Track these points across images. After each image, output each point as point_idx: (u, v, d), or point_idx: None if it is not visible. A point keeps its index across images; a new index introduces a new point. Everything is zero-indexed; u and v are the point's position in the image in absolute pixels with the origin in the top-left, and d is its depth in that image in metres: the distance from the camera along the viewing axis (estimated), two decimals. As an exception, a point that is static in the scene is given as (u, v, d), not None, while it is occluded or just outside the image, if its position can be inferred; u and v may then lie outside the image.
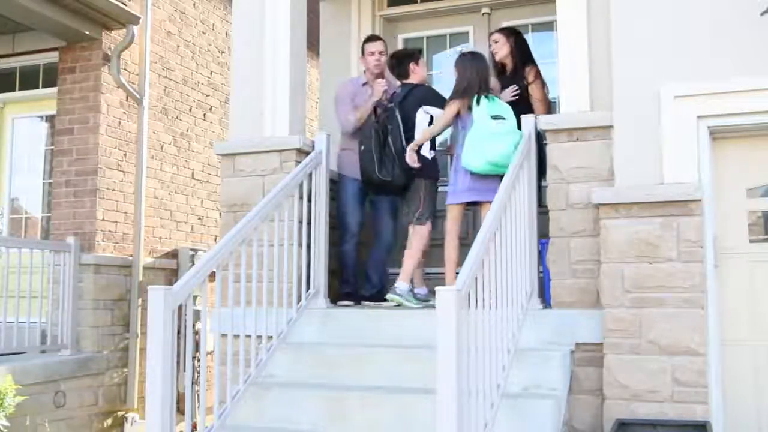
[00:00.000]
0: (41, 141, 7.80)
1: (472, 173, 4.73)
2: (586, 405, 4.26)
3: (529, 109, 5.06)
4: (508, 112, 4.77)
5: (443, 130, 5.23)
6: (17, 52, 7.62)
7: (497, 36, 5.39)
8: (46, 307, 6.64)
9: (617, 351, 4.15)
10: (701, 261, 4.09)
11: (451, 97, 4.91)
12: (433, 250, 5.40)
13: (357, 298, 5.36)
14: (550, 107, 5.30)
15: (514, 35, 5.39)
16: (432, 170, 5.19)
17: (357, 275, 5.46)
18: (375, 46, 5.60)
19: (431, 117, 5.12)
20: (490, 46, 5.44)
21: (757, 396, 4.15)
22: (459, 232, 4.96)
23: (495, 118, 4.68)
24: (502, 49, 5.34)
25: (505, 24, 6.26)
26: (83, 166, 7.07)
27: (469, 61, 4.91)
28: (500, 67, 5.41)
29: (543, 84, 5.29)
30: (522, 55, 5.34)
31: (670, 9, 4.29)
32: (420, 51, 5.72)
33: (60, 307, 6.61)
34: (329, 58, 6.68)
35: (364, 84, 5.63)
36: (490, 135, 4.62)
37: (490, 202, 4.70)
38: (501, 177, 4.68)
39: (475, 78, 4.81)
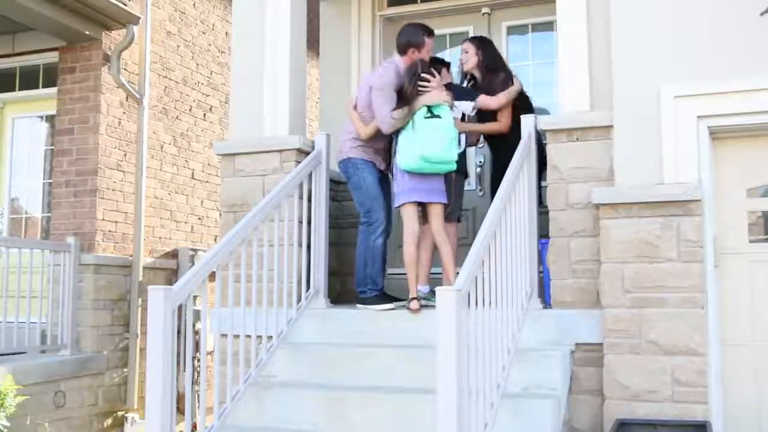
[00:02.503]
0: (41, 141, 7.80)
1: (410, 174, 4.70)
2: (586, 405, 4.27)
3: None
4: (444, 110, 4.73)
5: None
6: (17, 52, 7.62)
7: (467, 46, 5.35)
8: (46, 307, 6.64)
9: (617, 351, 4.15)
10: (701, 261, 4.09)
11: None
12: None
13: (385, 298, 4.92)
14: (510, 116, 5.09)
15: (484, 45, 5.37)
16: (463, 165, 5.10)
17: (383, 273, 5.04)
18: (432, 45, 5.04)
19: (462, 113, 5.08)
20: (461, 54, 5.41)
21: (757, 396, 4.15)
22: (418, 232, 4.78)
23: (429, 117, 4.67)
24: (470, 60, 5.32)
25: (504, 24, 6.27)
26: (83, 166, 7.08)
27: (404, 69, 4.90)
28: (469, 77, 5.39)
29: (518, 92, 5.20)
30: (493, 64, 5.31)
31: (670, 9, 4.29)
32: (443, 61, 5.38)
33: (60, 307, 6.61)
34: (329, 58, 6.68)
35: None
36: (421, 132, 4.63)
37: (437, 204, 4.75)
38: (443, 176, 4.76)
39: (409, 85, 4.80)
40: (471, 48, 5.33)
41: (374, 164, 5.07)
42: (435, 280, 5.03)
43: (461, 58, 5.36)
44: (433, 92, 4.77)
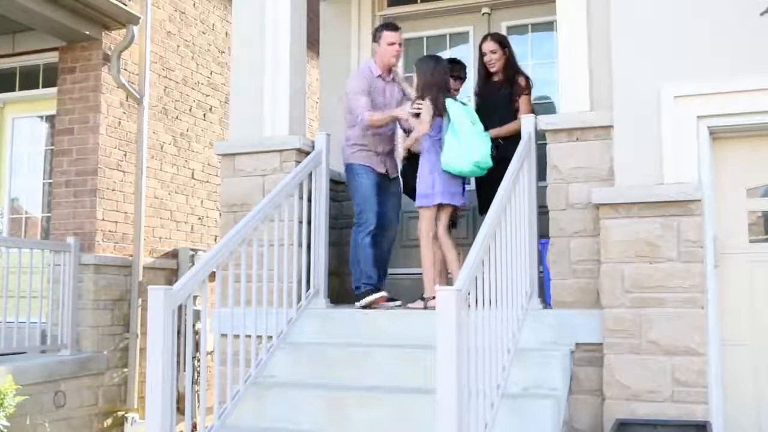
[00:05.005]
0: (41, 141, 7.79)
1: (446, 175, 4.78)
2: (586, 405, 4.26)
3: (512, 117, 5.11)
4: (476, 115, 4.87)
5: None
6: (17, 52, 7.62)
7: (493, 46, 5.34)
8: (46, 307, 6.64)
9: (617, 351, 4.15)
10: (701, 261, 4.09)
11: (425, 97, 4.88)
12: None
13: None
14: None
15: (507, 45, 5.40)
16: None
17: (376, 269, 5.17)
18: (395, 37, 5.21)
19: None
20: (483, 55, 5.41)
21: (757, 396, 4.15)
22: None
23: (473, 123, 4.78)
24: (499, 62, 5.33)
25: (504, 24, 6.27)
26: (83, 166, 7.07)
27: (434, 63, 4.97)
28: (487, 75, 5.42)
29: (530, 93, 5.30)
30: (513, 64, 5.36)
31: (670, 9, 4.29)
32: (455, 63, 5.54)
33: (60, 307, 6.61)
34: (329, 58, 6.67)
35: (378, 76, 5.28)
36: (475, 136, 4.69)
37: (453, 206, 4.86)
38: (463, 179, 4.89)
39: (441, 81, 4.90)
40: (498, 49, 5.32)
41: (372, 168, 5.18)
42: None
43: (487, 60, 5.36)
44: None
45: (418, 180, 4.91)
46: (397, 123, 5.32)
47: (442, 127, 4.85)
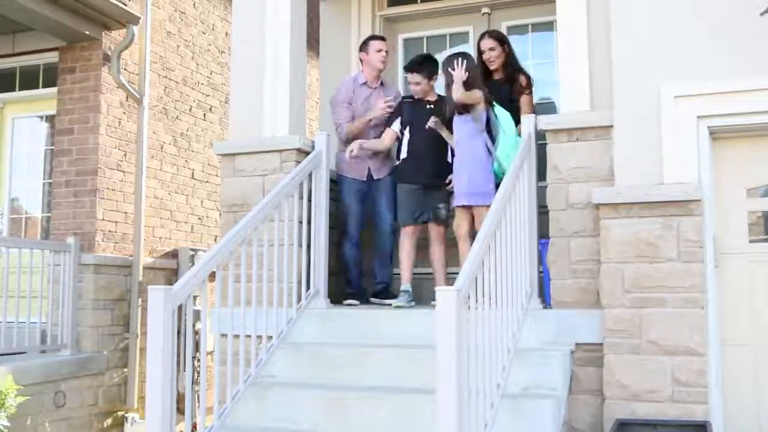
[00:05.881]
0: (41, 141, 7.79)
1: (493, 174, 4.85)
2: (586, 405, 4.27)
3: (515, 117, 5.13)
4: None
5: None
6: (17, 52, 7.61)
7: (492, 44, 5.32)
8: (46, 307, 6.64)
9: (617, 351, 4.15)
10: (701, 261, 4.09)
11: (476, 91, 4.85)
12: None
13: (361, 298, 5.41)
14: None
15: (507, 42, 5.40)
16: None
17: (361, 274, 5.50)
18: (382, 44, 5.63)
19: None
20: (481, 53, 5.40)
21: (757, 396, 4.15)
22: None
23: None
24: (498, 59, 5.32)
25: (504, 24, 6.27)
26: (83, 166, 7.07)
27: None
28: (487, 73, 5.42)
29: (532, 92, 5.31)
30: (513, 62, 5.37)
31: (670, 9, 4.30)
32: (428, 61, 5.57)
33: (60, 307, 6.60)
34: (329, 58, 6.68)
35: (363, 83, 5.62)
36: (515, 149, 4.70)
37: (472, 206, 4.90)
38: None
39: (474, 75, 4.92)
40: (497, 47, 5.31)
41: (354, 179, 5.45)
42: (427, 280, 5.08)
43: (486, 57, 5.34)
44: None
45: (473, 176, 4.82)
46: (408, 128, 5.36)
47: (491, 122, 4.87)
